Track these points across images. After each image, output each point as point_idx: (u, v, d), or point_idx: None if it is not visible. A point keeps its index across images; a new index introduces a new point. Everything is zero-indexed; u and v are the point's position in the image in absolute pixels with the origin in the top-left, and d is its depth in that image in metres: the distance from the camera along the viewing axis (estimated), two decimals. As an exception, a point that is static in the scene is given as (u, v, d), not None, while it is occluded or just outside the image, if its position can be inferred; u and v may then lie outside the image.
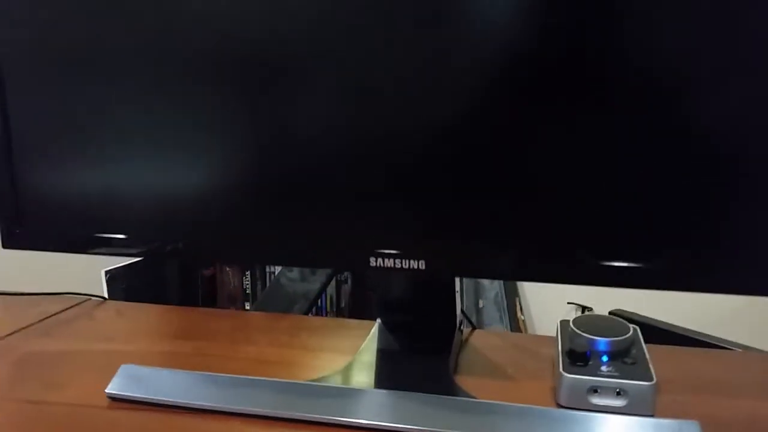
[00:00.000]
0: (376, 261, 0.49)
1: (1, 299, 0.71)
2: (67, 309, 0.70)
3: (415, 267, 0.48)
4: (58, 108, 0.52)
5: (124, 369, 0.49)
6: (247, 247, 0.53)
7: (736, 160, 0.42)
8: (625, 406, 0.47)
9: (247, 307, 2.01)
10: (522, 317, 1.72)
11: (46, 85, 0.52)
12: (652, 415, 0.46)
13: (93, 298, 0.73)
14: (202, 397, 0.46)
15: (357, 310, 1.93)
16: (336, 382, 0.50)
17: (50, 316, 0.67)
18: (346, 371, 0.52)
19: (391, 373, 0.52)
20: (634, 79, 0.42)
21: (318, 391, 0.47)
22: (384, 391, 0.48)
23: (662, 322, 0.89)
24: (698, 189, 0.43)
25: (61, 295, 0.72)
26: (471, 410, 0.46)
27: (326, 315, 2.04)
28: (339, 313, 2.06)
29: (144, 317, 0.69)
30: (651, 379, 0.47)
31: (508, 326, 1.71)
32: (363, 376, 0.52)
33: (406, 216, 0.48)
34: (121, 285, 1.86)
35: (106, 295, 1.31)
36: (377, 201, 0.48)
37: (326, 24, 0.46)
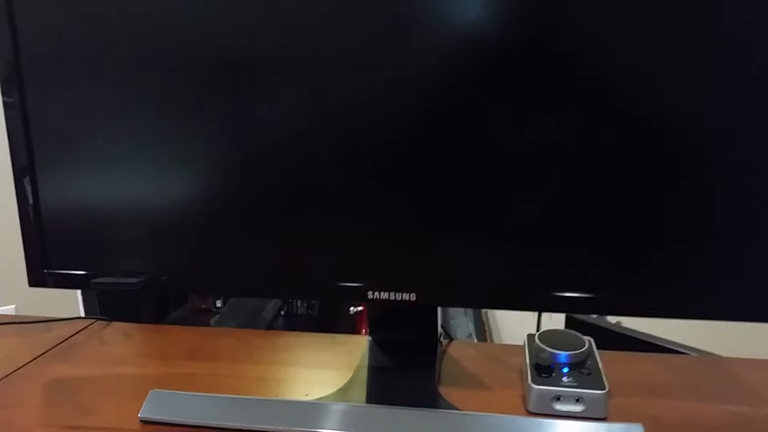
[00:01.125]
0: (373, 294, 0.56)
1: (13, 327, 0.77)
2: (77, 333, 0.75)
3: (407, 299, 0.56)
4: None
5: (153, 394, 0.56)
6: (250, 280, 0.60)
7: (667, 202, 0.52)
8: (583, 411, 0.56)
9: (218, 305, 2.07)
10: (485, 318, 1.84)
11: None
12: (605, 418, 0.56)
13: (98, 321, 0.79)
14: (231, 418, 0.53)
15: (327, 308, 2.01)
16: (341, 398, 0.58)
17: (64, 341, 0.73)
18: (348, 387, 0.60)
19: (384, 388, 0.60)
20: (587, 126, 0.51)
21: (330, 409, 0.55)
22: (382, 407, 0.56)
23: (614, 324, 1.00)
24: (639, 231, 0.52)
25: (69, 321, 0.78)
26: (455, 422, 0.54)
27: (298, 313, 2.11)
28: (309, 308, 2.13)
29: (150, 339, 0.75)
30: (604, 388, 0.57)
31: (472, 320, 1.82)
32: (361, 392, 0.60)
33: (401, 255, 0.56)
34: (95, 296, 1.89)
35: (81, 307, 1.36)
36: (375, 242, 0.56)
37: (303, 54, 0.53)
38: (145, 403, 0.55)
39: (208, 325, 1.96)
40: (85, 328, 0.77)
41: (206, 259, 0.59)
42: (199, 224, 0.58)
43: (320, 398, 0.59)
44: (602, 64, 0.50)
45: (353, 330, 1.86)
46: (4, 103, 0.57)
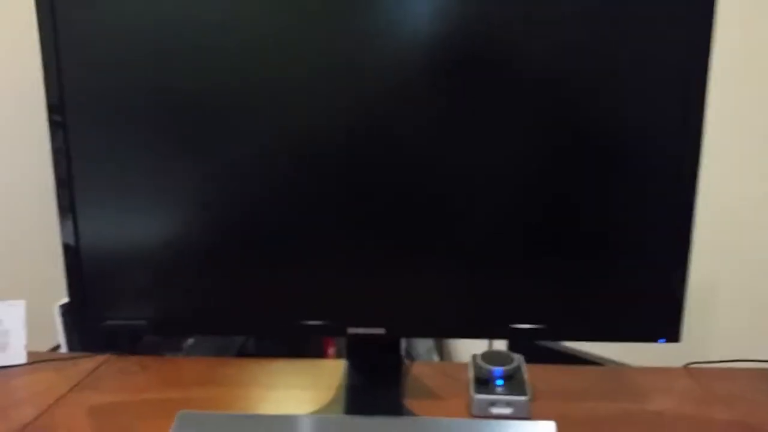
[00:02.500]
0: (351, 329, 0.74)
1: (47, 363, 0.91)
2: (100, 366, 0.90)
3: (378, 333, 0.73)
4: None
5: (181, 414, 0.72)
6: (239, 321, 0.76)
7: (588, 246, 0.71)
8: (512, 413, 0.75)
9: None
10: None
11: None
12: (529, 418, 0.74)
13: (113, 355, 0.94)
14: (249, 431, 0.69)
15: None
16: (332, 411, 0.75)
17: (91, 373, 0.88)
18: (333, 402, 0.77)
19: (359, 403, 0.77)
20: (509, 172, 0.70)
21: (321, 421, 0.72)
22: (358, 417, 0.73)
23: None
24: (574, 273, 0.71)
25: (92, 356, 0.93)
26: (415, 426, 0.72)
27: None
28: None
29: (162, 369, 0.90)
30: (527, 395, 0.75)
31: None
32: (343, 407, 0.77)
33: (373, 297, 0.73)
34: (73, 316, 1.99)
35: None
36: (354, 287, 0.73)
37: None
38: (175, 422, 0.71)
39: (181, 348, 2.08)
40: (105, 361, 0.92)
41: (202, 300, 0.75)
42: (190, 266, 0.74)
43: (313, 412, 0.76)
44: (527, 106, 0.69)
45: (320, 348, 2.02)
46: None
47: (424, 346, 1.98)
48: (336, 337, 1.69)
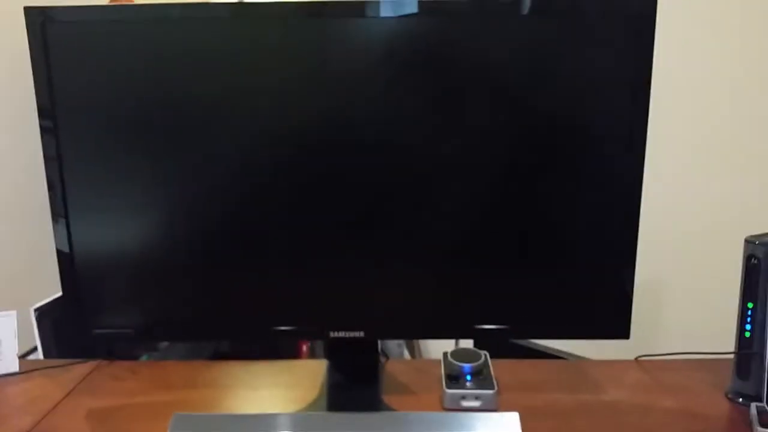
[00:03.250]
0: (333, 333, 0.80)
1: (41, 372, 0.95)
2: (92, 372, 0.95)
3: (358, 336, 0.80)
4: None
5: (176, 416, 0.77)
6: (224, 326, 0.82)
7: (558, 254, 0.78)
8: (480, 405, 0.82)
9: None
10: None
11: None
12: (496, 409, 0.82)
13: (103, 360, 0.99)
14: (240, 429, 0.75)
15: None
16: (316, 409, 0.82)
17: (84, 379, 0.93)
18: (319, 401, 0.84)
19: (340, 400, 0.84)
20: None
21: (318, 419, 0.78)
22: (339, 414, 0.79)
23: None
24: (537, 282, 0.79)
25: (81, 363, 0.97)
26: (393, 419, 0.79)
27: (244, 336, 2.29)
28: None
29: (151, 373, 0.95)
30: (493, 388, 0.83)
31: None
32: (325, 404, 0.83)
33: (353, 303, 0.80)
34: (48, 319, 2.01)
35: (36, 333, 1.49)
36: (335, 294, 0.80)
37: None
38: (171, 422, 0.76)
39: (156, 349, 2.12)
40: (96, 368, 0.97)
41: (188, 307, 0.81)
42: (176, 273, 0.80)
43: (298, 410, 0.82)
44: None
45: (294, 348, 2.08)
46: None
47: (394, 342, 2.06)
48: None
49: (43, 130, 0.77)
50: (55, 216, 0.79)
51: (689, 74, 1.84)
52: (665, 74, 1.76)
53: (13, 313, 0.97)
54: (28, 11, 0.74)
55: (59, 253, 0.80)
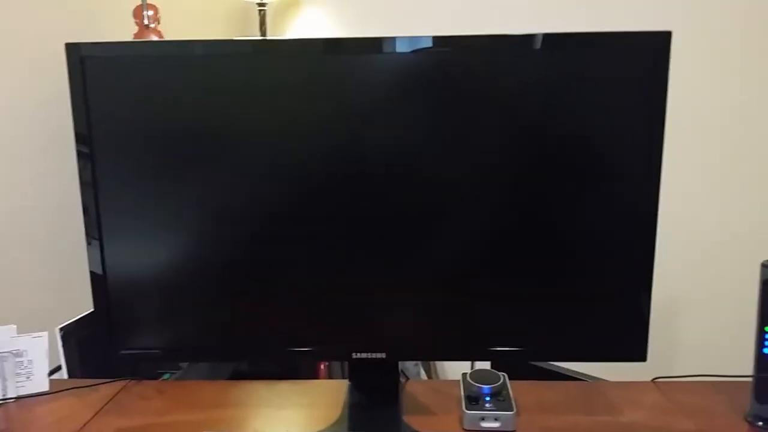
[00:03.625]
0: (356, 354, 0.82)
1: (70, 391, 0.98)
2: (119, 392, 0.98)
3: (381, 357, 0.82)
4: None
5: (204, 435, 0.79)
6: (255, 346, 0.84)
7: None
8: (500, 426, 0.84)
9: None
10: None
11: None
12: (514, 431, 0.83)
13: (131, 380, 1.01)
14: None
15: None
16: (338, 429, 0.83)
17: (112, 399, 0.95)
18: (341, 421, 0.85)
19: (362, 420, 0.86)
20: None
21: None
22: (364, 432, 0.81)
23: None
24: (551, 308, 0.80)
25: (109, 383, 1.00)
26: (416, 438, 0.80)
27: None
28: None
29: (178, 392, 0.98)
30: (513, 410, 0.84)
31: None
32: (347, 424, 0.85)
33: (376, 326, 0.82)
34: (73, 339, 2.04)
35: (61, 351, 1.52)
36: (359, 316, 0.82)
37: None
38: (198, 441, 0.79)
39: (179, 368, 2.15)
40: (124, 387, 0.99)
41: (217, 328, 0.83)
42: (204, 295, 0.82)
43: (321, 430, 0.84)
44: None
45: (313, 368, 2.09)
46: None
47: (411, 363, 2.07)
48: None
49: (80, 156, 0.80)
50: (89, 238, 0.82)
51: (704, 95, 1.86)
52: (680, 95, 1.78)
53: (45, 334, 1.00)
54: (69, 47, 0.78)
55: (92, 274, 0.83)
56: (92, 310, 1.25)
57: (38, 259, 1.46)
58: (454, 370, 2.17)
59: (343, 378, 1.83)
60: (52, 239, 1.50)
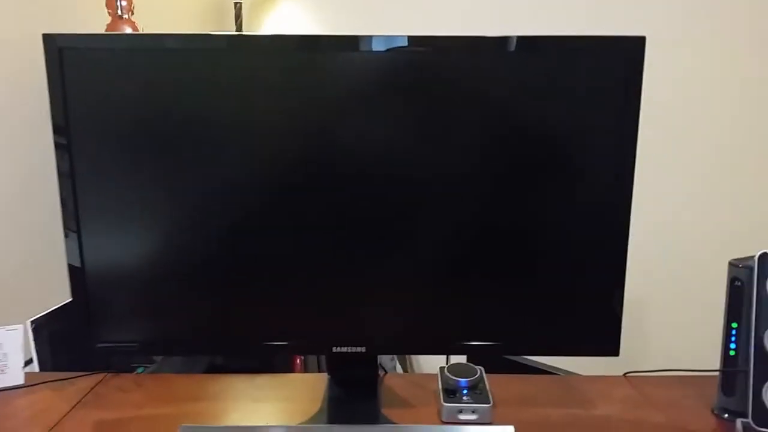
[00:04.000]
0: (336, 348, 0.83)
1: (46, 384, 0.97)
2: (97, 385, 0.97)
3: (360, 351, 0.83)
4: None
5: (183, 428, 0.79)
6: (237, 342, 0.85)
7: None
8: (477, 419, 0.85)
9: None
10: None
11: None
12: (491, 423, 0.85)
13: (108, 373, 1.01)
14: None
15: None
16: (318, 421, 0.84)
17: (90, 391, 0.95)
18: (321, 414, 0.86)
19: (341, 413, 0.87)
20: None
21: (317, 431, 0.81)
22: (341, 426, 0.82)
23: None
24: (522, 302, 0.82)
25: (86, 376, 0.99)
26: (393, 431, 0.81)
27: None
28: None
29: (156, 386, 0.97)
30: (489, 402, 0.86)
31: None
32: (326, 417, 0.86)
33: (356, 321, 0.83)
34: (45, 332, 2.02)
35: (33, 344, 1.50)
36: (339, 312, 0.83)
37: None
38: (178, 434, 0.79)
39: (153, 361, 2.13)
40: (101, 380, 0.99)
41: (194, 322, 0.83)
42: (182, 289, 0.82)
43: (301, 423, 0.85)
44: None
45: (288, 362, 2.10)
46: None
47: (387, 357, 2.08)
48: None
49: (58, 148, 0.80)
50: (66, 231, 0.82)
51: (676, 99, 1.90)
52: (653, 99, 1.82)
53: (20, 326, 0.99)
54: (46, 38, 0.77)
55: (70, 267, 0.82)
56: (63, 303, 1.24)
57: (13, 250, 1.44)
58: (430, 364, 2.19)
59: (319, 372, 1.84)
60: (27, 231, 1.48)
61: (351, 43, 0.76)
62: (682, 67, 1.86)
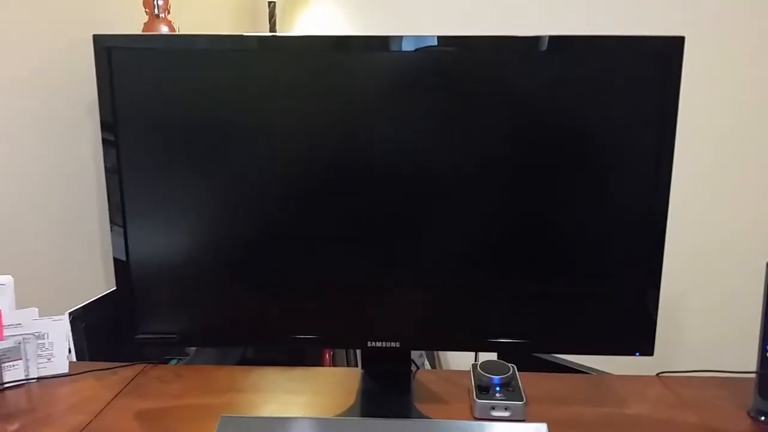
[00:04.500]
0: (370, 343, 0.85)
1: (89, 373, 1.01)
2: (138, 375, 1.00)
3: (395, 346, 0.84)
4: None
5: (224, 418, 0.82)
6: (277, 332, 0.87)
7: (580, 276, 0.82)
8: (509, 416, 0.86)
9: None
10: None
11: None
12: (524, 420, 0.86)
13: (149, 364, 1.04)
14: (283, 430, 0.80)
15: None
16: (352, 414, 0.86)
17: (130, 382, 0.98)
18: (355, 407, 0.88)
19: (375, 406, 0.88)
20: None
21: (355, 424, 0.83)
22: (374, 420, 0.84)
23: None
24: (554, 301, 0.83)
25: (127, 366, 1.02)
26: (426, 427, 0.83)
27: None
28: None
29: (195, 376, 1.00)
30: (522, 400, 0.87)
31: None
32: (360, 410, 0.87)
33: (390, 316, 0.84)
34: (81, 323, 2.08)
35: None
36: (374, 308, 0.84)
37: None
38: (218, 424, 0.81)
39: (187, 353, 2.18)
40: (142, 370, 1.02)
41: (234, 314, 0.86)
42: (222, 282, 0.85)
43: (335, 415, 0.86)
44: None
45: (318, 355, 2.12)
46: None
47: (416, 353, 2.10)
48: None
49: (105, 144, 0.82)
50: (112, 225, 0.85)
51: (713, 96, 1.88)
52: (689, 97, 1.80)
53: (65, 317, 1.02)
54: (96, 38, 0.80)
55: (116, 261, 0.85)
56: (99, 295, 1.28)
57: (53, 244, 1.48)
58: (457, 362, 2.20)
59: (347, 366, 1.86)
60: (71, 225, 1.52)
61: (381, 43, 0.77)
62: (711, 61, 1.84)
